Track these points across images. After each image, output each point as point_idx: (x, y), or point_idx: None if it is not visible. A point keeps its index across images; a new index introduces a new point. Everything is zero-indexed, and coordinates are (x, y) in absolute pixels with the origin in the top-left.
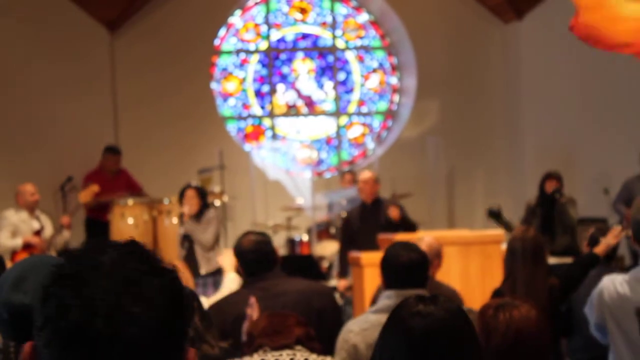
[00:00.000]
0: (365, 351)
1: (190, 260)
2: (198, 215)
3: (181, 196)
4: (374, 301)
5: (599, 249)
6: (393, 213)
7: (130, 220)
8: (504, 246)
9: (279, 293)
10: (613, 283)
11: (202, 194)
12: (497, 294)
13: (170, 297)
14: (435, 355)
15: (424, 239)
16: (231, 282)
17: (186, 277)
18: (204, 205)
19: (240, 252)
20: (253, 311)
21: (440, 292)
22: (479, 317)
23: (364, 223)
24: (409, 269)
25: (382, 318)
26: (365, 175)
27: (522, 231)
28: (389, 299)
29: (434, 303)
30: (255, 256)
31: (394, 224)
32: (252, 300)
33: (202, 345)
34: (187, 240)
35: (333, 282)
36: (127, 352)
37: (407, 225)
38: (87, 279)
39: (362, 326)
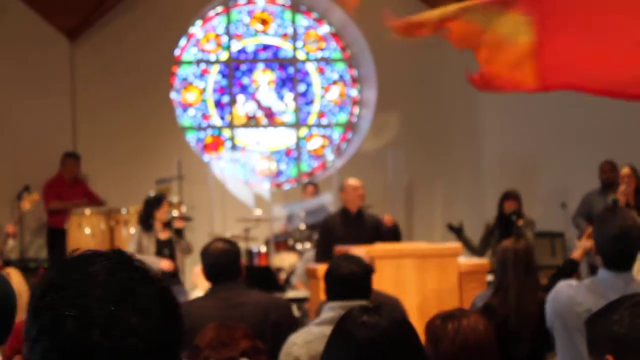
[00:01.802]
0: None
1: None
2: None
3: (157, 204)
4: (317, 314)
5: (576, 254)
6: (387, 219)
7: (88, 230)
8: (460, 259)
9: (238, 304)
10: (567, 286)
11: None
12: (486, 308)
13: (165, 306)
14: None
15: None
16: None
17: None
18: None
19: (206, 257)
20: None
21: (380, 301)
22: (427, 327)
23: (348, 232)
24: (351, 281)
25: (326, 330)
26: (356, 182)
27: (514, 242)
28: (332, 310)
29: (379, 313)
30: (220, 263)
31: (377, 236)
32: None
33: None
34: (168, 248)
35: (290, 293)
36: None
37: (396, 233)
38: (82, 289)
39: (306, 338)
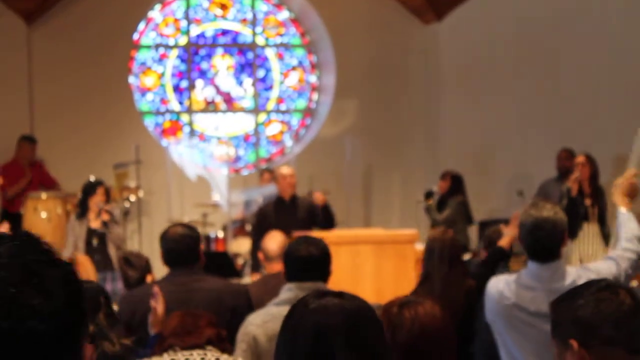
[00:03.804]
0: (265, 343)
1: (103, 254)
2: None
3: (92, 191)
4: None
5: (504, 242)
6: (318, 197)
7: (44, 214)
8: (418, 246)
9: (193, 289)
10: (497, 283)
11: (108, 192)
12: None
13: (70, 289)
14: (330, 352)
15: None
16: None
17: (87, 270)
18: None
19: (164, 241)
20: (157, 302)
21: None
22: (383, 315)
23: (280, 219)
24: (309, 263)
25: (284, 310)
26: (288, 170)
27: (441, 232)
28: (290, 291)
29: (338, 298)
30: (178, 248)
31: (311, 221)
32: (156, 289)
33: (104, 342)
34: (97, 236)
35: (247, 279)
36: (25, 345)
37: (327, 219)
38: None
39: (264, 318)
